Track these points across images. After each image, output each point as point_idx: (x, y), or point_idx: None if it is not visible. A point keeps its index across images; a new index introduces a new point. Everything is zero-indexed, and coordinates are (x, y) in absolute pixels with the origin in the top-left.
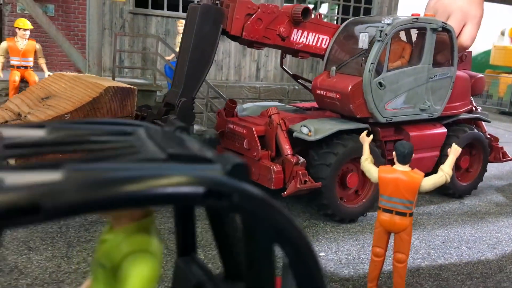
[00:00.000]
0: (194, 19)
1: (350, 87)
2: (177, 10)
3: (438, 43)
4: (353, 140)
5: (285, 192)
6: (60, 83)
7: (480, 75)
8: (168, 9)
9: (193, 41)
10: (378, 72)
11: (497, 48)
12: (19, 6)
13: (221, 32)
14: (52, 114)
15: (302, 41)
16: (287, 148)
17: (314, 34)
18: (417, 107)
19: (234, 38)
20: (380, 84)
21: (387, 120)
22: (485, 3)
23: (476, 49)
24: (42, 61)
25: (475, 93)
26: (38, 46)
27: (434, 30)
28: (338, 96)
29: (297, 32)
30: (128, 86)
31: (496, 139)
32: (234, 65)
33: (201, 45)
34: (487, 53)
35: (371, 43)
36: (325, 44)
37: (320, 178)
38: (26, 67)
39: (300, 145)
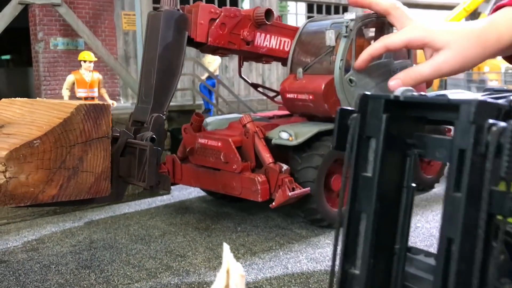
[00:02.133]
0: (156, 27)
1: (323, 85)
2: None
3: None
4: (330, 140)
5: (273, 204)
6: (13, 109)
7: None
8: None
9: (159, 51)
10: (346, 69)
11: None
12: (52, 42)
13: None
14: (17, 143)
15: (266, 45)
16: (268, 157)
17: (276, 37)
18: None
19: (197, 45)
20: (351, 80)
21: None
22: None
23: None
24: (103, 91)
25: (428, 85)
26: (101, 77)
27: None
28: (311, 97)
29: (260, 35)
30: (100, 102)
31: None
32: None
33: (168, 54)
34: None
35: (337, 40)
36: (287, 47)
37: (307, 182)
38: (92, 98)
39: (276, 153)
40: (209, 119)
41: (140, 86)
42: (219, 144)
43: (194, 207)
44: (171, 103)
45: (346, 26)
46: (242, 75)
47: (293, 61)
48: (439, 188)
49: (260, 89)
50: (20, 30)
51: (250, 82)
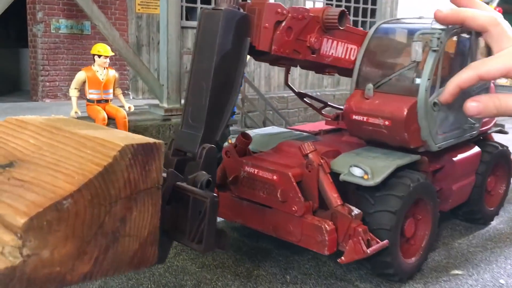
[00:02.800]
0: (213, 30)
1: (406, 111)
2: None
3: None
4: (410, 178)
5: (343, 258)
6: (24, 136)
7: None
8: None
9: (216, 61)
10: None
11: None
12: (53, 25)
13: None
14: (39, 202)
15: (332, 53)
16: (336, 198)
17: (343, 43)
18: (462, 127)
19: (257, 54)
20: (435, 104)
21: (438, 148)
22: None
23: None
24: (119, 92)
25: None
26: (117, 75)
27: (478, 34)
28: (387, 123)
29: (327, 42)
30: (150, 140)
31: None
32: (264, 75)
33: (226, 66)
34: None
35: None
36: (353, 56)
37: (381, 229)
38: (106, 101)
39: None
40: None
41: (186, 106)
42: (275, 177)
43: None
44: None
45: (438, 38)
46: (289, 83)
47: (360, 74)
48: (498, 221)
49: (306, 99)
50: None
51: (296, 91)
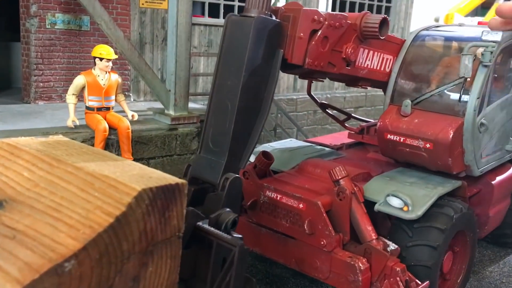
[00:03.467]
0: (241, 41)
1: (452, 133)
2: (218, 17)
3: None
4: (453, 208)
5: None
6: (17, 167)
7: None
8: (208, 16)
9: (244, 78)
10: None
11: None
12: (48, 19)
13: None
14: (35, 265)
15: (367, 65)
16: (370, 231)
17: (379, 54)
18: (503, 148)
19: (289, 67)
20: (482, 124)
21: (481, 172)
22: None
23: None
24: (122, 98)
25: None
26: (120, 80)
27: None
28: (428, 145)
29: (363, 52)
30: (171, 180)
31: None
32: None
33: (255, 84)
34: None
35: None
36: (388, 67)
37: (420, 266)
38: (108, 109)
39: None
40: (264, 149)
41: (206, 127)
42: (302, 206)
43: None
44: (197, 109)
45: (491, 52)
46: (312, 94)
47: (396, 88)
48: None
49: (329, 110)
50: None
51: (319, 102)
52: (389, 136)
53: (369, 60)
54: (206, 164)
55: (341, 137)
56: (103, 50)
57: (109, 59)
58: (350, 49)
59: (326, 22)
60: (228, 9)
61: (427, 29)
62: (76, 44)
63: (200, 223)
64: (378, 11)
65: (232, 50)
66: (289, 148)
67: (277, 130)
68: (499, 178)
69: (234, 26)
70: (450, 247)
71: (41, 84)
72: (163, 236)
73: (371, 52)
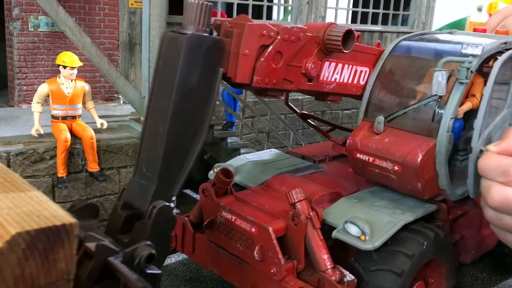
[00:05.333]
0: (174, 59)
1: (421, 156)
2: (231, 16)
3: None
4: (424, 234)
5: None
6: None
7: None
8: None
9: (174, 100)
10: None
11: (473, 24)
12: (31, 22)
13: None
14: None
15: (335, 79)
16: (325, 260)
17: (350, 66)
18: None
19: (237, 85)
20: (481, 151)
21: (461, 196)
22: None
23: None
24: (91, 105)
25: None
26: (87, 87)
27: None
28: (397, 168)
29: (329, 66)
30: (57, 221)
31: None
32: None
33: (189, 106)
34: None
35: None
36: (363, 80)
37: None
38: (74, 117)
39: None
40: (235, 161)
41: (141, 150)
42: (254, 230)
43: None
44: None
45: (468, 68)
46: (289, 103)
47: (370, 102)
48: None
49: (311, 120)
50: None
51: (298, 111)
52: (358, 155)
53: (337, 74)
54: (137, 189)
55: (327, 148)
56: (67, 58)
57: (73, 67)
58: (310, 64)
59: (279, 37)
60: (242, 8)
61: (408, 38)
62: (61, 46)
63: (111, 258)
64: (396, 6)
65: (165, 70)
66: (264, 161)
67: (270, 134)
68: None
69: (169, 44)
70: (422, 276)
71: (25, 87)
72: (47, 280)
73: (340, 65)
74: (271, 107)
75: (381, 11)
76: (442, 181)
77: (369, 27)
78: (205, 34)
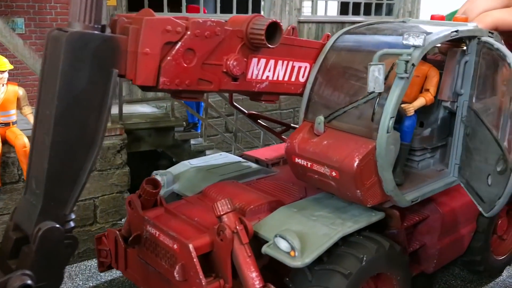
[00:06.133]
0: (56, 61)
1: (357, 161)
2: (180, 11)
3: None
4: (364, 248)
5: None
6: None
7: None
8: (170, 11)
9: (58, 106)
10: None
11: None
12: None
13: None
14: None
15: (267, 77)
16: (253, 278)
17: (286, 62)
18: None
19: (146, 88)
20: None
21: (412, 202)
22: None
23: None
24: (27, 111)
25: None
26: (21, 92)
27: (483, 43)
28: (334, 174)
29: (258, 63)
30: None
31: None
32: None
33: (77, 114)
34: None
35: (386, 80)
36: (303, 77)
37: None
38: (7, 124)
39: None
40: (176, 168)
41: (30, 164)
42: (176, 247)
43: None
44: (139, 119)
45: (406, 61)
46: (235, 103)
47: (310, 100)
48: (508, 272)
49: (261, 121)
50: None
51: (246, 112)
52: (297, 159)
53: (269, 71)
54: (26, 209)
55: (282, 150)
56: None
57: (2, 71)
58: (232, 61)
59: (189, 32)
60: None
61: (351, 31)
62: (7, 49)
63: None
64: None
65: (50, 74)
66: (208, 167)
67: (237, 134)
68: (450, 203)
69: (53, 45)
70: None
71: None
72: None
73: (272, 61)
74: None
75: (363, 0)
76: (387, 187)
77: (350, 18)
78: (93, 32)
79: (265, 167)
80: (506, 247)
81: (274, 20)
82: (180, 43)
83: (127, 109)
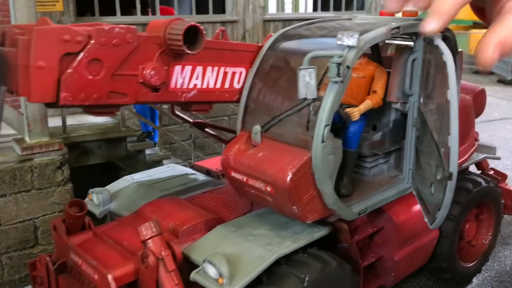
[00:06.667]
0: None
1: (290, 175)
2: (134, 14)
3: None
4: (306, 266)
5: None
6: None
7: (479, 86)
8: (123, 14)
9: None
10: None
11: None
12: None
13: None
14: None
15: (195, 85)
16: None
17: (217, 68)
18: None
19: (49, 104)
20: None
21: (359, 214)
22: None
23: None
24: None
25: (476, 116)
26: None
27: (430, 41)
28: (269, 189)
29: (183, 70)
30: None
31: (504, 177)
32: None
33: None
34: None
35: (320, 85)
36: (238, 83)
37: None
38: None
39: None
40: (118, 185)
41: None
42: (96, 277)
43: None
44: (86, 131)
45: (339, 64)
46: (177, 112)
47: (248, 108)
48: (479, 281)
49: (209, 129)
50: None
51: (191, 121)
52: (233, 173)
53: (197, 79)
54: None
55: None
56: None
57: None
58: (149, 70)
59: (93, 41)
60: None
61: (293, 29)
62: None
63: None
64: None
65: None
66: (151, 181)
67: (196, 140)
68: (407, 212)
69: None
70: None
71: None
72: None
73: (200, 68)
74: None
75: None
76: (328, 200)
77: (319, 14)
78: None
79: (216, 178)
80: (476, 254)
81: (193, 23)
82: (82, 53)
83: (78, 119)
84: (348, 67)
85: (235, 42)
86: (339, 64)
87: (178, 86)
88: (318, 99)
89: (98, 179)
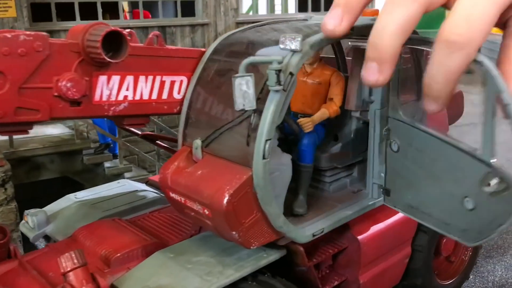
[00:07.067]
0: None
1: (227, 197)
2: (96, 17)
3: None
4: None
5: None
6: None
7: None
8: (83, 18)
9: None
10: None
11: None
12: None
13: None
14: None
15: (125, 97)
16: None
17: (150, 77)
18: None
19: None
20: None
21: (314, 236)
22: None
23: None
24: None
25: (452, 122)
26: None
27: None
28: (207, 212)
29: (109, 81)
30: None
31: None
32: None
33: None
34: None
35: (261, 93)
36: (179, 93)
37: None
38: None
39: None
40: (58, 205)
41: None
42: None
43: None
44: (37, 145)
45: (279, 71)
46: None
47: (188, 121)
48: None
49: (162, 142)
50: None
51: (140, 133)
52: (171, 194)
53: (128, 90)
54: None
55: None
56: None
57: None
58: (65, 82)
59: None
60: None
61: (240, 32)
62: None
63: None
64: None
65: None
66: (95, 200)
67: (161, 151)
68: (373, 230)
69: None
70: None
71: None
72: None
73: (131, 77)
74: (156, 121)
75: None
76: (275, 223)
77: (296, 15)
78: None
79: None
80: (455, 271)
81: (113, 28)
82: None
83: (34, 131)
84: (291, 73)
85: (173, 47)
86: (278, 71)
87: (104, 98)
88: (259, 110)
89: (61, 193)
